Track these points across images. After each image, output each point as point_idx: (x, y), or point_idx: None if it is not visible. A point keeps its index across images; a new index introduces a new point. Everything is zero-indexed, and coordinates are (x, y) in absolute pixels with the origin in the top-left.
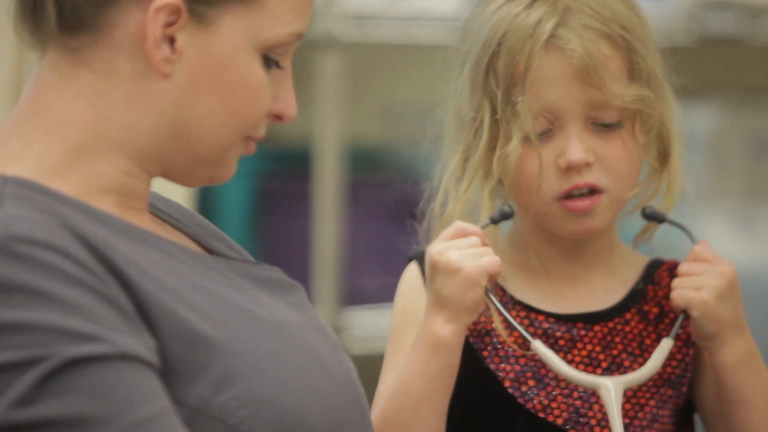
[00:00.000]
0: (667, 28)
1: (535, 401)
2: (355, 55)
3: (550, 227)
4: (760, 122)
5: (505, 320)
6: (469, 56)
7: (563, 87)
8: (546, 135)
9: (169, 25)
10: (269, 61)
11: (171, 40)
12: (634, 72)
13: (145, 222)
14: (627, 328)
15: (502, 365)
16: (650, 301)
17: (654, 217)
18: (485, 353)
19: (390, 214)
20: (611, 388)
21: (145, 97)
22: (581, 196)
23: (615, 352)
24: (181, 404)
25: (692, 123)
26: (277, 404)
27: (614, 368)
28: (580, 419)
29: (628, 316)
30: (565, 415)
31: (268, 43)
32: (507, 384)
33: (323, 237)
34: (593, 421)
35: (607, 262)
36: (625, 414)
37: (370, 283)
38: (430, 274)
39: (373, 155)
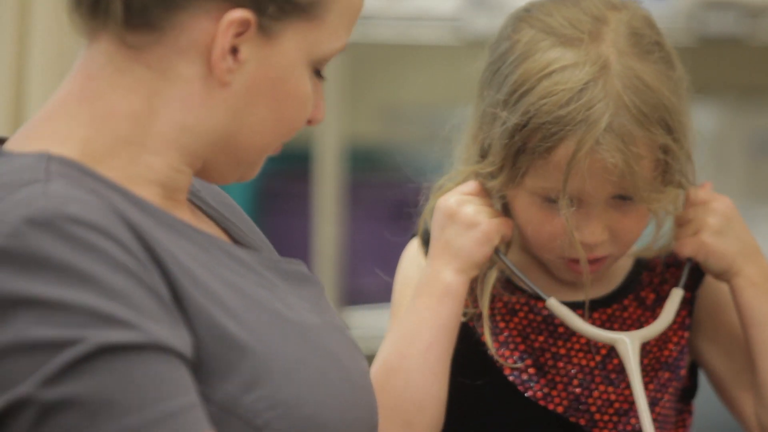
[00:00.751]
0: (667, 28)
1: (536, 389)
2: (355, 55)
3: (554, 271)
4: (760, 122)
5: (519, 279)
6: (502, 112)
7: (595, 185)
8: (568, 204)
9: (236, 36)
10: (316, 72)
11: (234, 50)
12: (666, 174)
13: (184, 213)
14: (625, 314)
15: (501, 351)
16: (646, 287)
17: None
18: (483, 338)
19: (390, 214)
20: (628, 343)
21: (202, 101)
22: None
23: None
24: (209, 401)
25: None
26: (301, 409)
27: (614, 354)
28: (580, 407)
29: (626, 302)
30: (565, 402)
31: (321, 57)
32: (507, 372)
33: (323, 237)
34: (593, 408)
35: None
36: (624, 399)
37: (370, 283)
38: (443, 222)
39: (373, 155)
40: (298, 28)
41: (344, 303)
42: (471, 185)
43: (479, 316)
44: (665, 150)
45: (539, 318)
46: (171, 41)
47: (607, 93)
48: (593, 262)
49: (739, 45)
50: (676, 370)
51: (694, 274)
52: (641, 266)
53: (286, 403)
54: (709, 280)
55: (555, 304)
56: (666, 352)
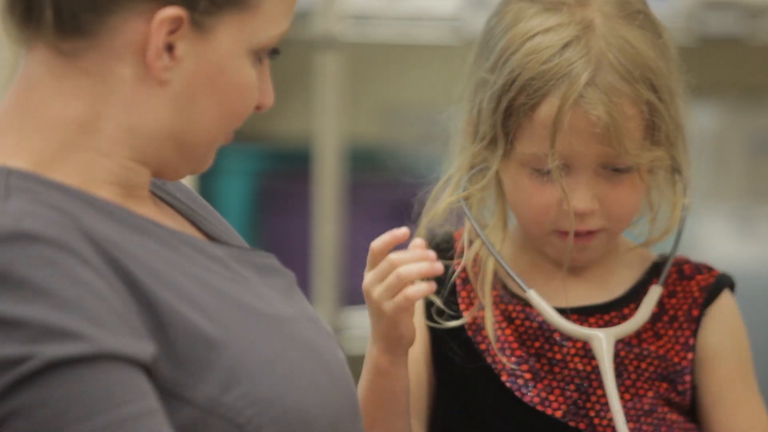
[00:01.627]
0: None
1: (533, 394)
2: (355, 55)
3: (547, 253)
4: (760, 122)
5: (506, 274)
6: (490, 76)
7: (582, 143)
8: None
9: (169, 33)
10: (256, 60)
11: (169, 48)
12: (654, 133)
13: (148, 208)
14: (623, 323)
15: (499, 358)
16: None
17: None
18: (482, 347)
19: (390, 214)
20: (603, 339)
21: (143, 102)
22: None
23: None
24: (191, 404)
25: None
26: (282, 403)
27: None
28: (579, 411)
29: (626, 311)
30: (563, 407)
31: (260, 45)
32: (504, 378)
33: (323, 237)
34: (592, 413)
35: (609, 262)
36: (623, 404)
37: None
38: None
39: (373, 155)
40: (232, 20)
41: (344, 303)
42: (370, 253)
43: (477, 325)
44: (651, 109)
45: (535, 325)
46: (105, 45)
47: (591, 50)
48: (585, 235)
49: (739, 45)
50: (674, 385)
51: (709, 291)
52: (651, 275)
53: (266, 398)
54: (716, 311)
55: (534, 296)
56: (664, 364)
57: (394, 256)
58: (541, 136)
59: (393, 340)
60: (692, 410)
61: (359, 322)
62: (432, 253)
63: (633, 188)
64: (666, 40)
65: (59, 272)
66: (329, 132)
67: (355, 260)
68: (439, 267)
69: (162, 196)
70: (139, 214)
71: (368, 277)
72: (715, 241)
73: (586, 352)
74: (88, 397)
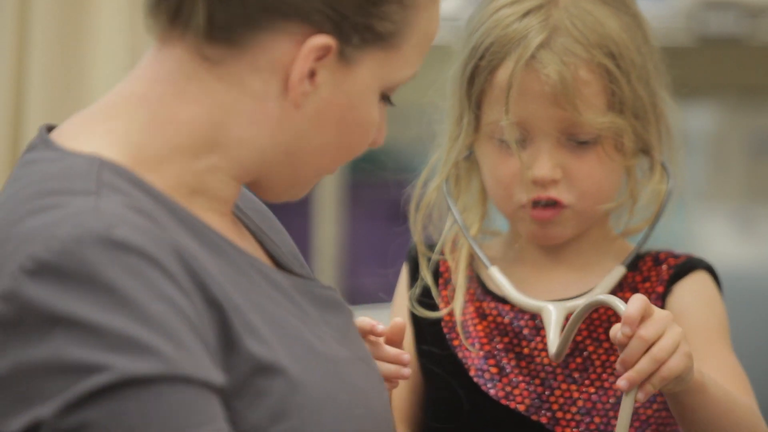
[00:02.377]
0: (667, 28)
1: (498, 388)
2: None
3: (521, 231)
4: (760, 122)
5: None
6: (459, 56)
7: (537, 106)
8: (519, 144)
9: (315, 60)
10: (385, 98)
11: (311, 74)
12: (612, 100)
13: (228, 227)
14: (594, 315)
15: (468, 353)
16: (626, 288)
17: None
18: (456, 342)
19: (390, 214)
20: (552, 311)
21: (270, 120)
22: (546, 206)
23: (579, 338)
24: (236, 428)
25: (692, 123)
26: None
27: (576, 354)
28: (543, 405)
29: (605, 309)
30: (527, 401)
31: (393, 84)
32: (472, 372)
33: (323, 237)
34: (555, 406)
35: (592, 254)
36: (588, 398)
37: (370, 283)
38: None
39: (373, 155)
40: (375, 56)
41: None
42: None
43: (452, 321)
44: (610, 77)
45: (506, 320)
46: (249, 58)
47: (550, 17)
48: (549, 209)
49: (739, 45)
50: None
51: (678, 268)
52: (628, 267)
53: None
54: (691, 279)
55: (495, 273)
56: None
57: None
58: (499, 102)
59: None
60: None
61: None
62: (406, 357)
63: (599, 162)
64: (639, 21)
65: (146, 285)
66: None
67: (355, 260)
68: (405, 372)
69: (239, 216)
70: (218, 231)
71: None
72: (715, 241)
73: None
74: (161, 418)
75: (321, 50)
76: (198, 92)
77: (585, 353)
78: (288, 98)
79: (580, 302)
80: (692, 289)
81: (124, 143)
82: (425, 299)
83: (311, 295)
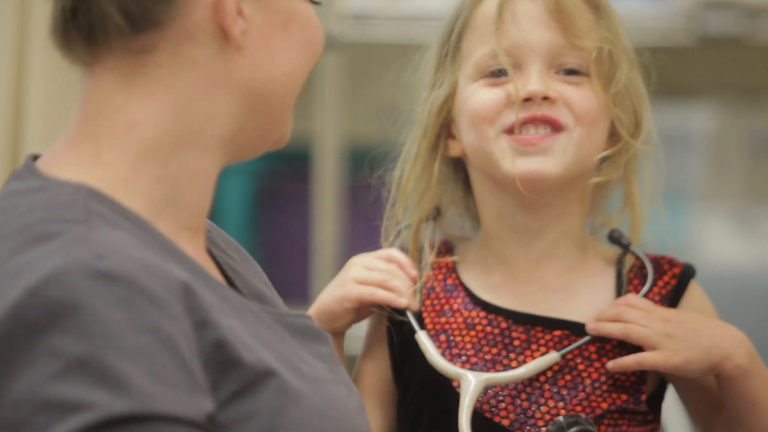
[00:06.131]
0: (667, 28)
1: (483, 401)
2: (355, 55)
3: (504, 173)
4: (760, 122)
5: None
6: (437, 36)
7: (532, 24)
8: (507, 75)
9: None
10: None
11: (239, 12)
12: (602, 25)
13: (200, 252)
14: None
15: (454, 362)
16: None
17: (619, 242)
18: (439, 351)
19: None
20: (472, 382)
21: (223, 78)
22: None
23: (569, 356)
24: None
25: (692, 123)
26: None
27: (566, 370)
28: (528, 420)
29: (572, 336)
30: (512, 416)
31: None
32: (456, 384)
33: (323, 237)
34: (541, 423)
35: (568, 255)
36: (575, 415)
37: None
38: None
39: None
40: None
41: None
42: (384, 252)
43: (436, 330)
44: (596, 5)
45: (496, 331)
46: (177, 30)
47: None
48: (547, 129)
49: (739, 45)
50: (636, 395)
51: (675, 291)
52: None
53: None
54: (689, 298)
55: (422, 338)
56: (623, 377)
57: (400, 260)
58: (487, 32)
59: (322, 308)
60: (656, 418)
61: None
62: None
63: (593, 91)
64: (616, 17)
65: (131, 315)
66: (329, 132)
67: None
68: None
69: (209, 247)
70: (190, 256)
71: (367, 257)
72: (714, 241)
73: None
74: None
75: None
76: (145, 86)
77: (575, 372)
78: (229, 47)
79: (502, 378)
80: (696, 309)
81: (96, 166)
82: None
83: (287, 325)
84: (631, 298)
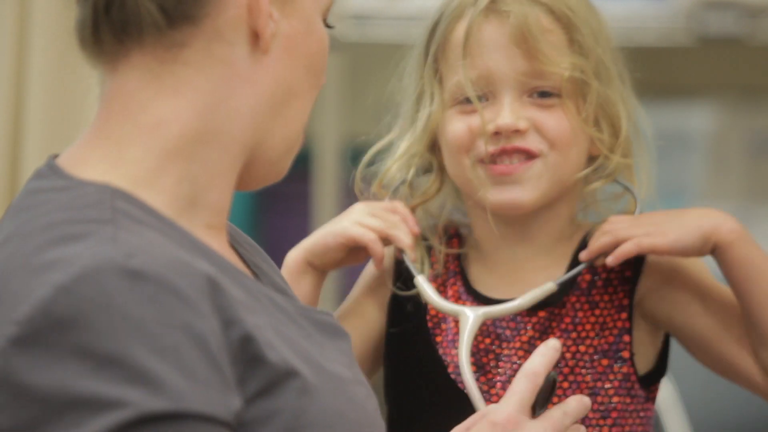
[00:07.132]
0: (667, 28)
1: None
2: (355, 55)
3: (480, 200)
4: (760, 122)
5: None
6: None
7: (500, 53)
8: (483, 98)
9: None
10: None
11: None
12: (573, 45)
13: (224, 248)
14: (563, 311)
15: (449, 350)
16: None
17: (620, 183)
18: (438, 339)
19: None
20: (470, 317)
21: (247, 79)
22: (511, 165)
23: (553, 337)
24: None
25: (692, 123)
26: None
27: (563, 364)
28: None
29: (572, 299)
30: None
31: (329, 3)
32: (450, 369)
33: None
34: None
35: (557, 251)
36: (563, 392)
37: None
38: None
39: (373, 156)
40: None
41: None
42: (389, 203)
43: (438, 318)
44: (567, 23)
45: (489, 321)
46: (209, 27)
47: None
48: (521, 158)
49: (739, 45)
50: (615, 354)
51: (634, 259)
52: (582, 248)
53: None
54: (651, 258)
55: (420, 282)
56: (603, 341)
57: (404, 213)
58: (458, 60)
59: (313, 241)
60: (647, 379)
61: None
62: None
63: (566, 116)
64: (600, 17)
65: (161, 313)
66: (329, 132)
67: None
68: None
69: (231, 243)
70: (219, 253)
71: (373, 203)
72: None
73: (530, 347)
74: None
75: None
76: (172, 84)
77: (572, 361)
78: (257, 49)
79: (498, 311)
80: (665, 265)
81: (121, 164)
82: (403, 286)
83: (311, 320)
84: (612, 217)
